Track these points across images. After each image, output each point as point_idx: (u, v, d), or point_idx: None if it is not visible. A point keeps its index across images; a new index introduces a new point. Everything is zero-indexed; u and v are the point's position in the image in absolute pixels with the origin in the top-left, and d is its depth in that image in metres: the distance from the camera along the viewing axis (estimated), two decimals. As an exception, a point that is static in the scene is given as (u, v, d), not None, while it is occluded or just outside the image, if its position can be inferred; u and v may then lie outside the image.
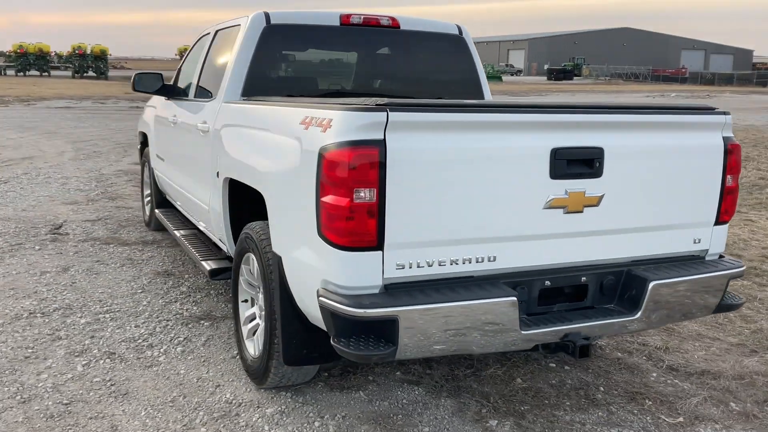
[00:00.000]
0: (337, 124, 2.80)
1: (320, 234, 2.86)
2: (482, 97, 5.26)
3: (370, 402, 3.68)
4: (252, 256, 3.75)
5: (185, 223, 6.02)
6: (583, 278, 3.26)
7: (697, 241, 3.51)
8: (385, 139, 2.72)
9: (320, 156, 2.82)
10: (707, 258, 3.57)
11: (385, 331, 2.79)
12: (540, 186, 3.02)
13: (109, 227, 7.42)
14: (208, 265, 4.73)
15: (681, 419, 3.62)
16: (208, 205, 4.62)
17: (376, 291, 2.83)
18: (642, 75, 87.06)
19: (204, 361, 4.15)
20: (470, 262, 2.98)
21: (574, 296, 3.31)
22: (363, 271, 2.81)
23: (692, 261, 3.52)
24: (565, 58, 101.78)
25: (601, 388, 3.93)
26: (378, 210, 2.75)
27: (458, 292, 2.89)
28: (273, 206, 3.33)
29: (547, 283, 3.18)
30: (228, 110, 4.36)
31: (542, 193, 3.03)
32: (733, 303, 3.57)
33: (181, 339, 4.45)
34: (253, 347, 3.84)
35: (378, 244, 2.78)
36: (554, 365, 4.20)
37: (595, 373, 4.11)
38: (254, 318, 3.96)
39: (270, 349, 3.50)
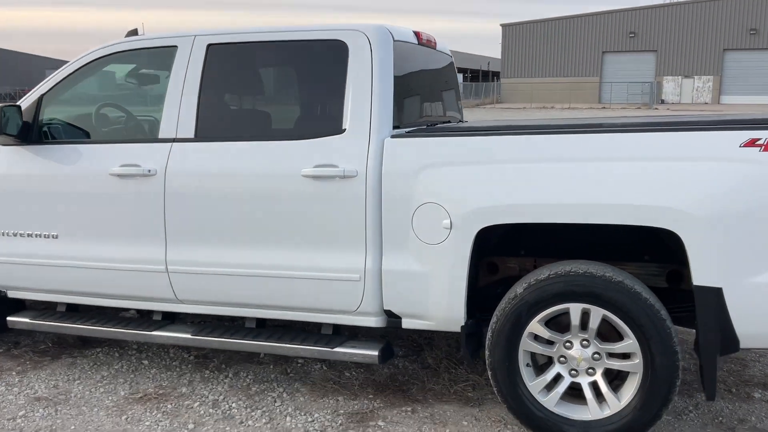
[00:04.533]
0: None
1: None
2: (461, 114, 5.26)
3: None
4: (575, 306, 3.28)
5: (139, 322, 4.20)
6: None
7: None
8: None
9: None
10: None
11: None
12: None
13: None
14: (367, 350, 3.67)
15: None
16: (364, 272, 3.58)
17: None
18: (13, 94, 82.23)
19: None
20: None
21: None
22: None
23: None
24: None
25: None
26: None
27: None
28: (708, 239, 3.08)
29: None
30: (439, 145, 3.48)
31: None
32: None
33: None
34: (594, 406, 3.34)
35: None
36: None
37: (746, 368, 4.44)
38: (557, 379, 3.42)
39: (669, 394, 3.22)
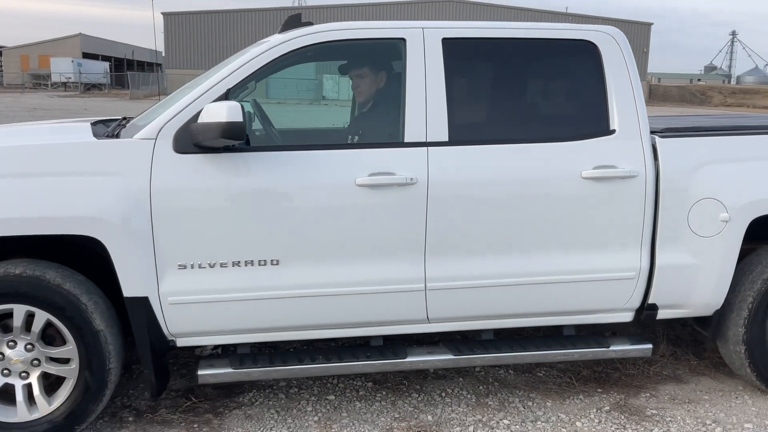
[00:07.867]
0: None
1: None
2: None
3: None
4: None
5: (380, 351, 3.68)
6: None
7: None
8: None
9: None
10: None
11: None
12: None
13: None
14: (641, 344, 3.86)
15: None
16: (639, 269, 3.72)
17: None
18: None
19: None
20: None
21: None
22: None
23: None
24: None
25: None
26: None
27: None
28: None
29: None
30: (715, 144, 3.83)
31: None
32: None
33: None
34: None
35: None
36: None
37: None
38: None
39: None
